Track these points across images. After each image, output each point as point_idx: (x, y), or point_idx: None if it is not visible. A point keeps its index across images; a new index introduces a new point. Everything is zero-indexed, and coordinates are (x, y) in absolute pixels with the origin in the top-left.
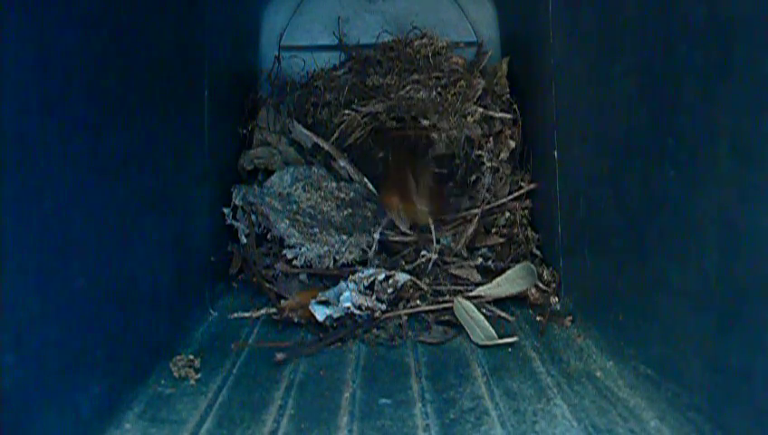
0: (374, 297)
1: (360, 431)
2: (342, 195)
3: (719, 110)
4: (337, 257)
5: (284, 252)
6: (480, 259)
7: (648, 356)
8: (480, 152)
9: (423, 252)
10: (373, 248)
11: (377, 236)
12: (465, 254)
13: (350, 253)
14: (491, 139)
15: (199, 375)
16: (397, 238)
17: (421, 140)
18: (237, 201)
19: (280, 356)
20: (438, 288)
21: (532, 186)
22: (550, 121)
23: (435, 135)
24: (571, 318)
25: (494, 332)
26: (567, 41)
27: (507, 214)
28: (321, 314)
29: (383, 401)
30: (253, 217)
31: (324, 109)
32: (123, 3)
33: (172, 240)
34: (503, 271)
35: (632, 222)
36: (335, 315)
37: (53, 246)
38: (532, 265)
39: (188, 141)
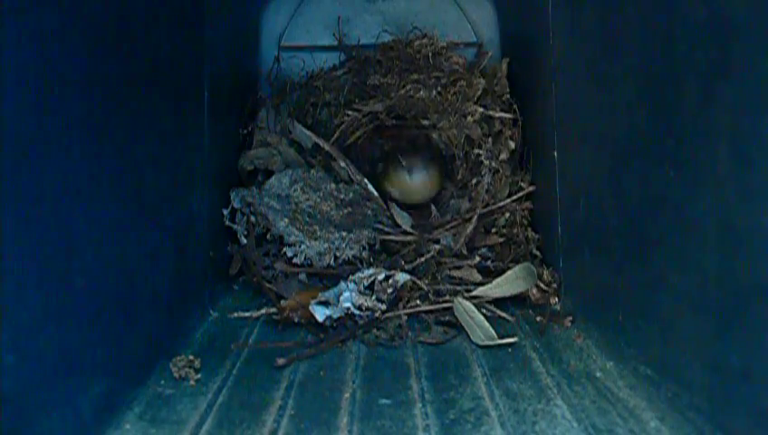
0: (374, 297)
1: (360, 432)
2: (342, 196)
3: (719, 110)
4: (337, 254)
5: (284, 250)
6: (479, 259)
7: (648, 356)
8: (479, 151)
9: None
10: (376, 244)
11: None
12: (465, 252)
13: (351, 249)
14: (490, 139)
15: (199, 375)
16: (397, 238)
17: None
18: (235, 204)
19: (281, 361)
20: (438, 288)
21: (531, 188)
22: (550, 121)
23: (434, 134)
24: (571, 318)
25: (494, 332)
26: (567, 41)
27: (507, 214)
28: (320, 314)
29: (383, 401)
30: (252, 218)
31: (324, 109)
32: (123, 4)
33: (172, 240)
34: (502, 271)
35: (632, 222)
36: (335, 316)
37: (53, 246)
38: (532, 266)
39: (188, 142)
